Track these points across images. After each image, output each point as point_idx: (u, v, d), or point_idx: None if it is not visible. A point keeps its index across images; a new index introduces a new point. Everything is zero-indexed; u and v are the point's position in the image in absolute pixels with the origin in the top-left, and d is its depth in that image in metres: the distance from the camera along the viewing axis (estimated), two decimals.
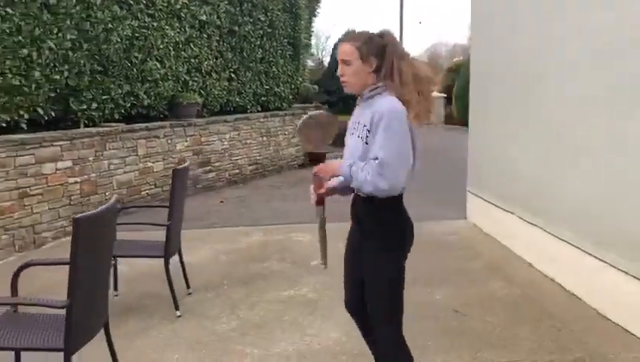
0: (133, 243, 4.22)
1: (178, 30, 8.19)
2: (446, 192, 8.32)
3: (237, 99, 9.89)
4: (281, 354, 3.43)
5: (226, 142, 9.15)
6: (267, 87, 10.77)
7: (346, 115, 2.64)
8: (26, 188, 5.59)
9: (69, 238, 2.54)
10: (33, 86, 5.83)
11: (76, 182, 6.21)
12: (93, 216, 2.51)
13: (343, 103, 15.99)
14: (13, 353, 2.92)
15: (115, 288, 4.42)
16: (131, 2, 7.22)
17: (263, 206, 7.74)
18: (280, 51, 11.14)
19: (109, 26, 6.83)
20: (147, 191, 7.35)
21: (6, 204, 5.39)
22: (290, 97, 11.73)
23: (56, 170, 5.95)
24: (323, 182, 2.48)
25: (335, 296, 4.35)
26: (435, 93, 22.96)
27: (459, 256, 5.30)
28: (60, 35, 6.13)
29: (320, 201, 2.60)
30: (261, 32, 10.39)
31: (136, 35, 7.35)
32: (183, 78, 8.36)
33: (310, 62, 19.38)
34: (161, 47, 7.83)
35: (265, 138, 10.38)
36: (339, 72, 2.41)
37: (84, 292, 2.58)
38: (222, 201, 7.95)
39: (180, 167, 3.99)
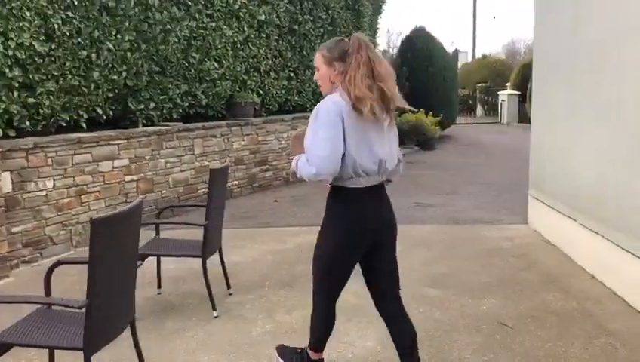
0: (173, 242, 4.24)
1: (236, 30, 8.25)
2: (509, 195, 7.96)
3: (296, 98, 9.87)
4: None
5: (283, 141, 9.15)
6: None
7: None
8: (83, 185, 5.78)
9: None
10: (92, 86, 6.02)
11: (132, 180, 6.37)
12: (111, 217, 2.50)
13: (413, 99, 15.60)
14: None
15: (159, 286, 4.47)
16: (189, 3, 7.33)
17: (317, 205, 7.60)
18: None
19: (167, 27, 6.96)
20: (203, 190, 7.44)
21: (64, 200, 5.59)
22: None
23: (113, 168, 6.12)
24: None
25: None
26: (508, 90, 22.24)
27: (514, 264, 5.01)
28: (118, 36, 6.30)
29: None
30: (322, 30, 10.32)
31: (194, 35, 7.45)
32: (241, 78, 8.41)
33: None
34: (220, 47, 7.91)
35: None
36: (316, 80, 2.77)
37: (105, 293, 2.58)
38: (276, 201, 7.95)
39: (217, 167, 3.97)
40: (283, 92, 9.49)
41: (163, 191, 6.76)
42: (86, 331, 2.50)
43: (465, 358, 3.31)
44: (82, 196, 5.78)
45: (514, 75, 22.93)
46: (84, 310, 2.50)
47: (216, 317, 3.96)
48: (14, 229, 5.10)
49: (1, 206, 4.88)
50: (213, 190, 3.89)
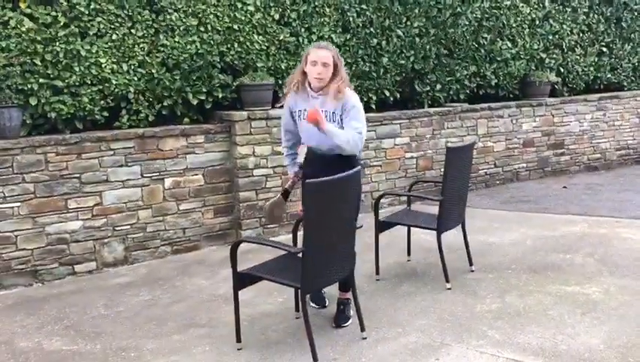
0: (418, 214, 4.59)
1: (535, 7, 7.90)
2: None
3: (609, 76, 8.89)
4: (519, 345, 3.29)
5: (585, 124, 8.40)
6: None
7: None
8: (366, 159, 6.51)
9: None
10: (381, 71, 6.67)
11: (412, 158, 6.85)
12: (321, 182, 2.98)
13: None
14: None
15: (408, 253, 4.85)
16: None
17: (611, 196, 6.90)
18: None
19: (458, 10, 7.14)
20: (486, 171, 7.48)
21: None
22: None
23: (395, 145, 6.70)
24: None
25: (626, 302, 3.81)
26: None
27: None
28: (408, 23, 6.79)
29: None
30: None
31: (487, 16, 7.44)
32: (538, 56, 8.04)
33: None
34: (514, 25, 7.72)
35: None
36: (318, 73, 3.36)
37: (318, 244, 3.09)
38: (565, 187, 7.43)
39: (455, 146, 4.12)
40: (591, 69, 8.67)
41: (441, 169, 7.02)
42: (302, 273, 3.06)
43: None
44: (365, 169, 6.51)
45: None
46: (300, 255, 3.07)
47: (449, 288, 4.14)
48: None
49: None
50: (449, 168, 4.08)
